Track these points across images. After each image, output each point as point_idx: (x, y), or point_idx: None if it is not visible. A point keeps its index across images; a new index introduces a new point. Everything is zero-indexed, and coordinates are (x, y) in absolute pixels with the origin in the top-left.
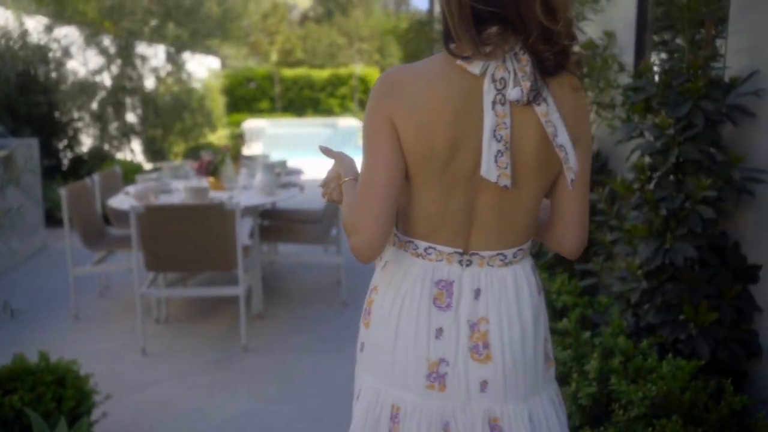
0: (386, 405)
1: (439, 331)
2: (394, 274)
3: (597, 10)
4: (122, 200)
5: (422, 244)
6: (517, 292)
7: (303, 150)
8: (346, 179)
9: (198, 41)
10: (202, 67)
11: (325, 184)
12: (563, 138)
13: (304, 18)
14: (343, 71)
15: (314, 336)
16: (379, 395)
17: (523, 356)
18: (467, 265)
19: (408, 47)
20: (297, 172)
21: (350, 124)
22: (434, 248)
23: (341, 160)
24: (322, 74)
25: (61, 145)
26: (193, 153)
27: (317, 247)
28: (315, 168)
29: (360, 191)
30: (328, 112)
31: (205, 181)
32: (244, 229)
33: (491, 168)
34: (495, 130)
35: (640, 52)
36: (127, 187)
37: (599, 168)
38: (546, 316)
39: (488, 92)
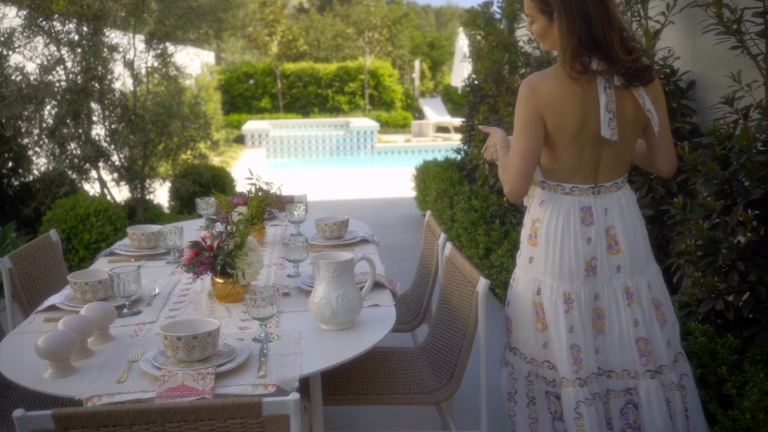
0: (560, 293)
1: (588, 240)
2: (551, 207)
3: None
4: (32, 333)
5: (567, 186)
6: (628, 206)
7: (312, 157)
8: (500, 147)
9: (186, 27)
10: (195, 62)
11: (485, 149)
12: (648, 105)
13: (300, 10)
14: (351, 65)
15: None
16: (553, 287)
17: (638, 247)
18: (597, 194)
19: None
20: (365, 232)
21: (364, 124)
22: (577, 187)
23: (496, 133)
24: (328, 68)
25: (6, 168)
26: (182, 179)
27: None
28: (326, 178)
29: (513, 157)
30: (336, 110)
31: (207, 285)
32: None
33: (606, 130)
34: (607, 105)
35: None
36: (53, 299)
37: None
38: (643, 219)
39: (600, 81)
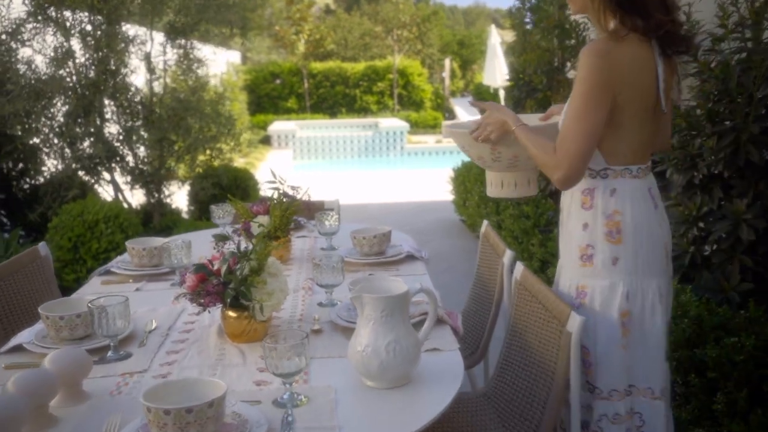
0: (657, 291)
1: (663, 222)
2: (629, 194)
3: None
4: None
5: (634, 168)
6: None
7: (340, 158)
8: (519, 125)
9: (207, 19)
10: (219, 60)
11: (482, 127)
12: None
13: (327, 11)
14: (379, 64)
15: None
16: (650, 286)
17: None
18: (647, 176)
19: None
20: (410, 246)
21: (394, 124)
22: (641, 167)
23: (497, 109)
24: (356, 67)
25: (16, 169)
26: (201, 182)
27: None
28: (355, 180)
29: (576, 137)
30: (364, 110)
31: (218, 317)
32: None
33: (663, 101)
34: (662, 74)
35: None
36: (21, 336)
37: None
38: None
39: (655, 48)
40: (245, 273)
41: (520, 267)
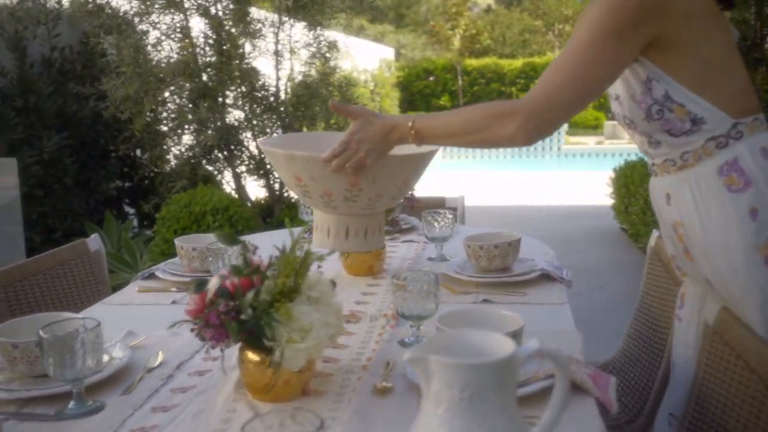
0: None
1: None
2: None
3: None
4: None
5: (761, 116)
6: None
7: (492, 158)
8: (416, 119)
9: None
10: (371, 57)
11: (348, 146)
12: None
13: (487, 11)
14: (538, 60)
15: None
16: None
17: None
18: None
19: None
20: (547, 262)
21: None
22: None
23: (376, 116)
24: (514, 64)
25: (142, 157)
26: None
27: None
28: (505, 182)
29: (570, 68)
30: None
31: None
32: None
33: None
34: None
35: None
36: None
37: None
38: None
39: None
40: (265, 299)
41: (714, 306)
